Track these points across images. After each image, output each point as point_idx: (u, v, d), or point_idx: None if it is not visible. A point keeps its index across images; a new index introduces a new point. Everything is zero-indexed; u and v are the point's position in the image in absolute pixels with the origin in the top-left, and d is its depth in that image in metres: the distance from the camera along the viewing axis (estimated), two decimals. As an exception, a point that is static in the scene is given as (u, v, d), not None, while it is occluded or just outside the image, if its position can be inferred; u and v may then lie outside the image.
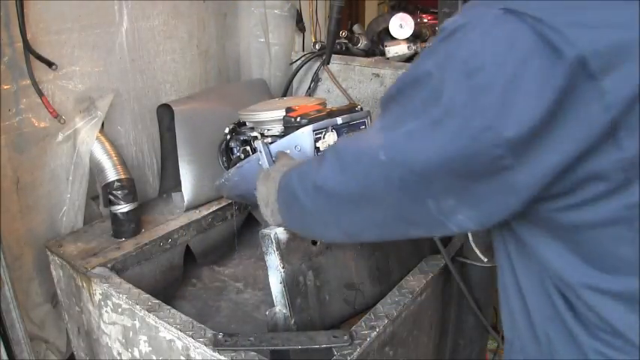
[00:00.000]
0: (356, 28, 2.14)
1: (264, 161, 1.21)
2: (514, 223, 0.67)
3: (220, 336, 1.07)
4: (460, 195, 0.61)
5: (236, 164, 1.36)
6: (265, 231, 1.12)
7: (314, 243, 1.16)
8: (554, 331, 0.67)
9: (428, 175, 0.61)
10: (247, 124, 1.47)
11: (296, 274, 1.12)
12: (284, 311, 1.11)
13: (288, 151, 1.21)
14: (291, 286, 1.11)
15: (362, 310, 1.21)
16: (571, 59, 0.50)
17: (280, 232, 1.11)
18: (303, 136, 1.20)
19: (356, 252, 1.24)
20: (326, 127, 1.23)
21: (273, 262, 1.11)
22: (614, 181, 0.53)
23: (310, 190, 0.82)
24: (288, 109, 1.28)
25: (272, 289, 1.12)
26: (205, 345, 1.07)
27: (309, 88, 2.00)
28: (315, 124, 1.22)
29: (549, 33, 0.51)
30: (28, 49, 1.34)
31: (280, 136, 1.28)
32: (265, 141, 1.25)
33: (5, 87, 1.34)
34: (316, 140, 1.21)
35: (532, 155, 0.54)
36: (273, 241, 1.10)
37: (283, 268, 1.10)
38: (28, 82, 1.37)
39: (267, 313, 1.12)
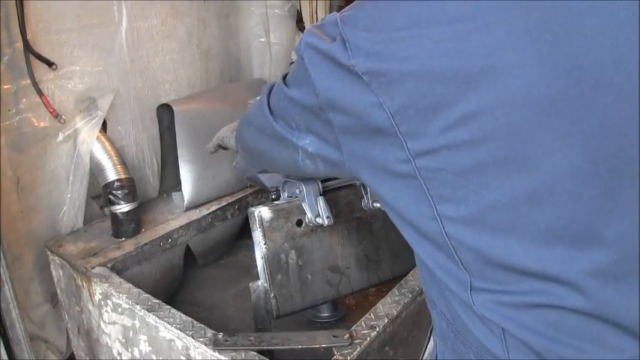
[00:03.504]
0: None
1: None
2: None
3: (220, 336, 1.07)
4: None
5: None
6: (251, 209, 1.19)
7: (299, 224, 1.21)
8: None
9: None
10: None
11: (278, 251, 1.18)
12: (265, 285, 1.17)
13: None
14: (272, 262, 1.17)
15: (346, 295, 1.27)
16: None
17: (265, 211, 1.17)
18: None
19: (343, 238, 1.27)
20: None
21: (257, 238, 1.18)
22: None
23: (245, 142, 0.97)
24: None
25: (257, 264, 1.19)
26: (205, 345, 1.07)
27: (309, 87, 2.00)
28: None
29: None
30: (28, 48, 1.34)
31: None
32: None
33: (5, 87, 1.34)
34: None
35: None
36: (257, 218, 1.17)
37: (265, 244, 1.17)
38: (28, 81, 1.37)
39: (250, 285, 1.18)
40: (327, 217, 1.17)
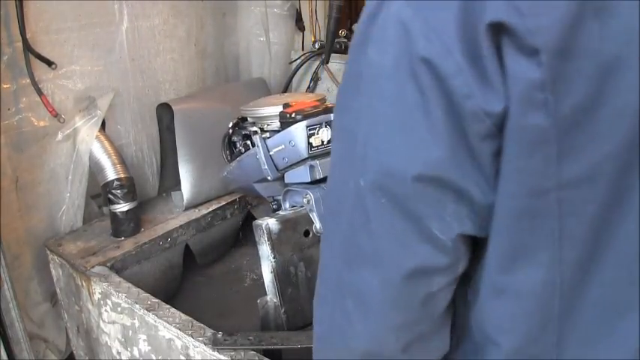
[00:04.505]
0: (355, 27, 2.14)
1: (261, 155, 1.23)
2: None
3: (220, 335, 1.07)
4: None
5: (237, 158, 1.37)
6: (257, 222, 1.15)
7: (306, 235, 1.18)
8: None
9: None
10: (249, 119, 1.48)
11: (287, 264, 1.15)
12: (275, 300, 1.14)
13: (282, 146, 1.22)
14: (282, 276, 1.14)
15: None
16: None
17: (272, 223, 1.14)
18: (297, 131, 1.21)
19: None
20: (320, 123, 1.24)
21: (265, 251, 1.14)
22: None
23: None
24: (286, 105, 1.29)
25: (264, 279, 1.15)
26: (205, 344, 1.07)
27: (309, 87, 2.00)
28: (309, 120, 1.23)
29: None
30: (28, 48, 1.34)
31: (278, 131, 1.29)
32: (263, 136, 1.26)
33: (5, 86, 1.34)
34: (310, 136, 1.22)
35: None
36: (265, 231, 1.13)
37: (274, 258, 1.13)
38: (28, 81, 1.37)
39: (258, 301, 1.15)
40: None
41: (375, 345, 0.58)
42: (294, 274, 1.15)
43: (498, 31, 0.44)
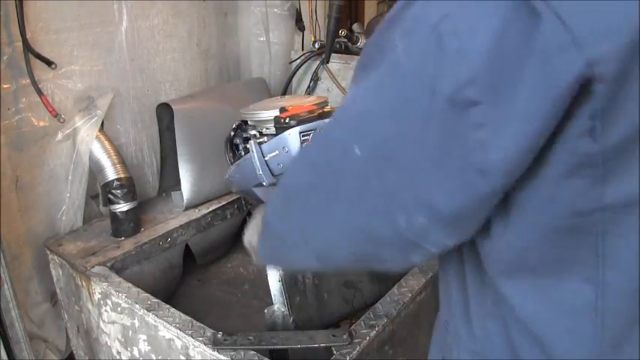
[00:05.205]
0: (355, 27, 2.14)
1: (256, 161, 1.22)
2: None
3: (220, 335, 1.07)
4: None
5: (236, 161, 1.37)
6: None
7: None
8: (494, 327, 0.62)
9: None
10: (249, 122, 1.47)
11: (294, 272, 1.13)
12: (282, 309, 1.11)
13: (276, 152, 1.21)
14: (290, 284, 1.11)
15: (361, 309, 1.22)
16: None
17: None
18: (290, 137, 1.20)
19: None
20: (314, 129, 1.23)
21: None
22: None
23: (276, 204, 0.72)
24: (282, 109, 1.28)
25: (271, 288, 1.13)
26: (205, 344, 1.07)
27: (309, 87, 2.00)
28: (303, 126, 1.21)
29: None
30: (28, 48, 1.34)
31: (275, 136, 1.28)
32: (259, 140, 1.25)
33: (5, 86, 1.34)
34: (303, 142, 1.21)
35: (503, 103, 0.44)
36: None
37: None
38: (28, 81, 1.37)
39: (265, 311, 1.12)
40: None
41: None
42: (302, 282, 1.13)
43: None
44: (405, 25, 0.49)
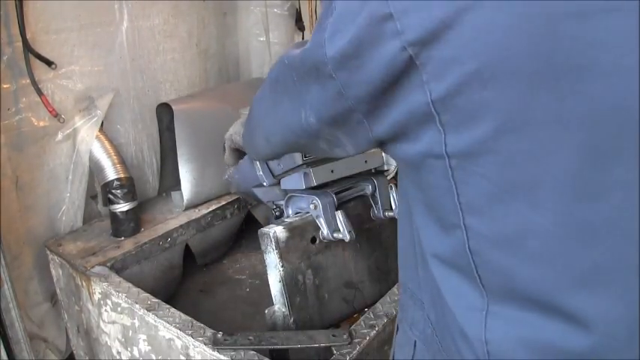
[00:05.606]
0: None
1: (256, 161, 1.21)
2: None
3: (220, 335, 1.07)
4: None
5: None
6: (264, 230, 1.12)
7: (313, 242, 1.16)
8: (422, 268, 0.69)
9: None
10: None
11: (295, 272, 1.12)
12: (283, 310, 1.11)
13: None
14: (291, 284, 1.11)
15: (361, 309, 1.22)
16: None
17: (279, 231, 1.11)
18: None
19: (355, 251, 1.24)
20: None
21: (272, 260, 1.11)
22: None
23: (257, 98, 0.90)
24: None
25: (271, 288, 1.13)
26: (205, 344, 1.07)
27: (309, 87, 2.00)
28: None
29: None
30: (28, 48, 1.34)
31: None
32: None
33: (5, 86, 1.34)
34: None
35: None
36: (272, 239, 1.10)
37: (282, 266, 1.10)
38: (28, 81, 1.37)
39: (266, 311, 1.12)
40: (349, 232, 1.10)
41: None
42: (302, 282, 1.13)
43: None
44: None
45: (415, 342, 0.73)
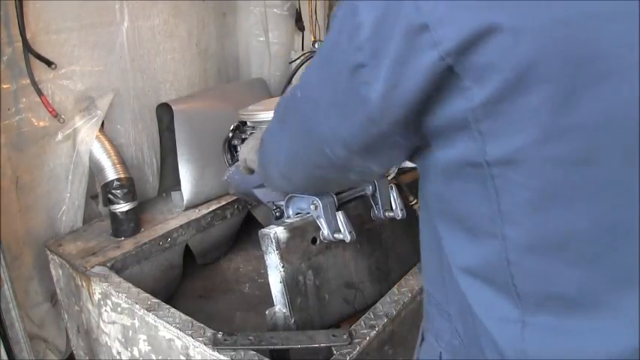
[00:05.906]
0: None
1: None
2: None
3: (220, 335, 1.07)
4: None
5: (236, 162, 1.36)
6: (265, 230, 1.12)
7: (313, 242, 1.16)
8: (448, 277, 0.67)
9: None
10: (248, 123, 1.47)
11: (296, 273, 1.12)
12: (284, 310, 1.11)
13: None
14: (291, 285, 1.11)
15: (362, 310, 1.22)
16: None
17: (280, 231, 1.11)
18: None
19: (356, 251, 1.24)
20: None
21: (273, 261, 1.11)
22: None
23: (269, 129, 0.89)
24: None
25: (272, 289, 1.12)
26: (205, 344, 1.07)
27: (309, 87, 2.00)
28: None
29: None
30: (28, 48, 1.34)
31: None
32: None
33: (5, 86, 1.34)
34: None
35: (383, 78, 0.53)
36: (273, 240, 1.10)
37: (283, 267, 1.10)
38: (28, 81, 1.37)
39: (266, 312, 1.12)
40: (350, 232, 1.11)
41: None
42: (303, 283, 1.13)
43: None
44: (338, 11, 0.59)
45: (441, 353, 0.72)
